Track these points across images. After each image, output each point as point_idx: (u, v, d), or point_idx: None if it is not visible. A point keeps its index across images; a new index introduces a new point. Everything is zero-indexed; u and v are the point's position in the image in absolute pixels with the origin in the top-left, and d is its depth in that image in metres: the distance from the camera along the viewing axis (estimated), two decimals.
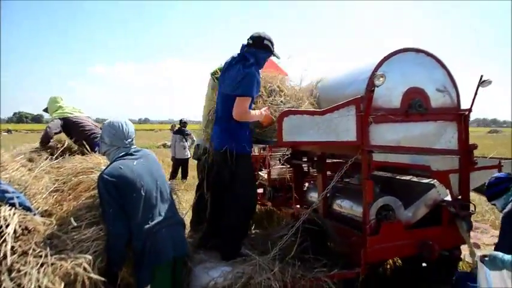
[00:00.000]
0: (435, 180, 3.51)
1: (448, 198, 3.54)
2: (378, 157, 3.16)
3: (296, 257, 3.10)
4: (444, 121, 3.46)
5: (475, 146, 3.55)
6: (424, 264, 3.78)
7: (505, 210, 2.74)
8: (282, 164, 5.25)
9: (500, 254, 2.07)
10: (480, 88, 3.34)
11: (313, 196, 4.40)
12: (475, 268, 3.45)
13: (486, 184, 3.05)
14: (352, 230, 3.33)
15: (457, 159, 3.52)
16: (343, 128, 2.97)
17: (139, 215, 2.29)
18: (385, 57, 3.16)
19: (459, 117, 3.48)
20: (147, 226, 2.30)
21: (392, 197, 3.29)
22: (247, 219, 3.42)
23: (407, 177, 4.02)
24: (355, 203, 3.52)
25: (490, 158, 3.90)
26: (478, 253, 2.33)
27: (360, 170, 3.20)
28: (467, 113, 3.47)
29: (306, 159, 4.69)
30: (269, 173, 5.55)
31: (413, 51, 3.30)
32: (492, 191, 2.94)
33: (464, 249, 3.72)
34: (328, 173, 3.98)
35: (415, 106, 3.25)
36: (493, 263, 2.10)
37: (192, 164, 10.88)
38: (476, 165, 3.57)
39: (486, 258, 2.15)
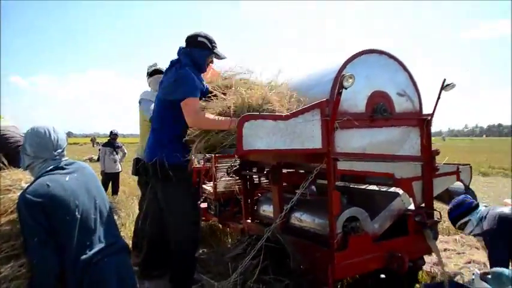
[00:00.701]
0: (399, 188, 3.47)
1: (412, 207, 3.51)
2: (342, 165, 3.03)
3: (258, 280, 2.87)
4: (407, 126, 3.43)
5: (437, 152, 3.56)
6: (382, 276, 3.72)
7: (486, 229, 2.81)
8: (230, 176, 5.02)
9: (506, 271, 1.98)
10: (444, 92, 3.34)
11: (266, 210, 4.20)
12: (448, 281, 3.47)
13: (448, 212, 3.30)
14: (315, 245, 3.15)
15: (419, 166, 3.51)
16: (308, 134, 2.80)
17: (74, 243, 1.90)
18: (349, 59, 3.05)
19: (422, 122, 3.47)
20: (85, 256, 1.91)
21: (358, 208, 3.16)
22: (195, 240, 3.14)
23: (367, 186, 3.97)
24: (317, 216, 3.36)
25: (448, 164, 3.94)
26: (476, 270, 2.24)
27: (315, 180, 3.08)
28: (429, 118, 3.47)
29: (256, 170, 4.51)
30: (215, 186, 5.26)
31: (377, 53, 3.23)
32: (456, 213, 3.23)
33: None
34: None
35: (379, 111, 3.17)
36: (498, 281, 2.01)
37: (124, 178, 10.28)
38: (438, 171, 3.58)
39: (489, 276, 2.06)
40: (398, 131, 3.37)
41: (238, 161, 4.62)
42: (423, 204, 3.55)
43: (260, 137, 2.60)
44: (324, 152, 2.87)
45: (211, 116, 2.85)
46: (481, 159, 20.56)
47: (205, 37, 3.12)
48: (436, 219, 3.48)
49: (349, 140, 3.07)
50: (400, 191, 3.46)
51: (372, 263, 3.11)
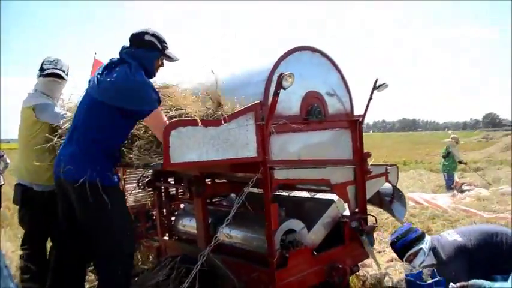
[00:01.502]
0: (333, 195, 3.43)
1: (347, 213, 3.50)
2: (278, 174, 2.87)
3: None
4: (340, 129, 3.40)
5: (369, 155, 3.59)
6: None
7: (445, 259, 3.09)
8: (142, 188, 4.62)
9: (486, 283, 1.95)
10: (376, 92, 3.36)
11: (186, 225, 3.92)
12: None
13: (392, 242, 3.39)
14: (251, 264, 2.96)
15: (352, 169, 3.50)
16: (243, 141, 2.59)
17: None
18: (282, 56, 2.90)
19: (354, 124, 3.47)
20: None
21: (295, 220, 3.04)
22: (128, 276, 2.76)
23: (297, 194, 3.90)
24: (251, 231, 3.17)
25: (376, 165, 4.02)
26: (452, 284, 2.21)
27: (238, 189, 2.89)
28: (361, 119, 3.48)
29: (174, 181, 4.20)
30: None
31: (310, 51, 3.13)
32: (402, 243, 3.29)
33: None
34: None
35: (314, 113, 3.08)
36: None
37: (6, 191, 9.20)
38: (370, 174, 3.61)
39: None
40: (331, 134, 3.33)
41: (150, 171, 4.25)
42: (357, 210, 3.56)
43: (190, 148, 2.32)
44: (259, 160, 2.69)
45: None
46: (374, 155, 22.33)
47: (154, 35, 2.67)
48: (372, 224, 3.51)
49: (284, 146, 2.93)
50: (335, 197, 3.43)
51: (312, 277, 3.01)
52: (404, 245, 3.27)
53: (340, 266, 3.11)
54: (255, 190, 3.40)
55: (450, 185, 9.95)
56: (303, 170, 3.08)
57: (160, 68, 2.79)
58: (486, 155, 19.32)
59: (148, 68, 2.64)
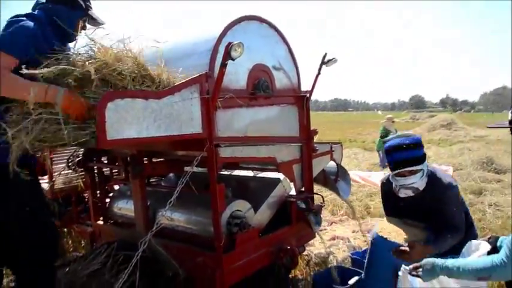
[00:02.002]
0: (280, 173, 3.35)
1: (293, 192, 3.44)
2: (223, 152, 2.72)
3: None
4: (287, 105, 3.30)
5: (315, 132, 3.54)
6: None
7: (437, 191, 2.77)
8: (72, 169, 4.27)
9: (439, 262, 1.91)
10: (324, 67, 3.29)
11: (123, 207, 3.68)
12: (334, 267, 3.52)
13: (398, 146, 2.72)
14: (196, 249, 2.81)
15: (298, 147, 3.44)
16: (187, 116, 2.39)
17: None
18: (228, 25, 2.72)
19: (301, 100, 3.39)
20: None
21: (241, 200, 2.92)
22: (52, 267, 2.49)
23: (241, 173, 3.78)
24: (194, 213, 3.01)
25: (320, 143, 3.99)
26: (404, 267, 2.16)
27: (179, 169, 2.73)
28: (308, 95, 3.41)
29: (107, 161, 3.92)
30: (52, 183, 4.42)
31: (257, 21, 2.97)
32: (413, 154, 2.71)
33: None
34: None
35: (261, 87, 2.94)
36: (432, 273, 1.93)
37: None
38: (316, 152, 3.57)
39: (420, 270, 1.96)
40: (278, 110, 3.22)
41: (82, 151, 3.93)
42: (303, 189, 3.51)
43: (129, 123, 2.09)
44: (204, 137, 2.51)
45: (21, 79, 2.12)
46: None
47: None
48: (319, 203, 3.48)
49: (230, 122, 2.77)
50: (281, 176, 3.35)
51: (260, 260, 2.93)
52: (410, 158, 2.68)
53: (289, 247, 3.05)
54: (196, 169, 3.26)
55: (385, 163, 10.36)
56: (250, 148, 2.95)
57: (82, 31, 2.50)
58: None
59: (66, 29, 2.38)
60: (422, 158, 2.72)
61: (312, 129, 3.49)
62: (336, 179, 3.99)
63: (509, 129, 1.87)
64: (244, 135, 2.88)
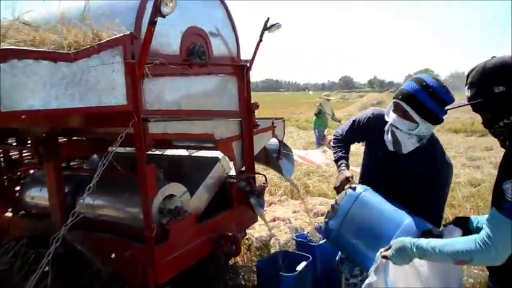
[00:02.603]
0: (218, 152, 3.07)
1: (233, 172, 3.18)
2: (154, 128, 2.37)
3: None
4: (225, 75, 2.99)
5: (256, 105, 3.27)
6: None
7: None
8: None
9: (407, 243, 1.69)
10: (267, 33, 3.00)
11: (36, 196, 3.22)
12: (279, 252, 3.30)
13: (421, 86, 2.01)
14: (123, 241, 2.45)
15: (238, 123, 3.15)
16: (108, 84, 2.01)
17: None
18: None
19: (240, 69, 3.09)
20: None
21: (175, 183, 2.60)
22: None
23: (176, 152, 3.45)
24: (119, 200, 2.64)
25: (261, 118, 3.73)
26: (377, 254, 1.93)
27: (103, 149, 2.35)
28: (249, 64, 3.11)
29: (16, 142, 3.42)
30: None
31: None
32: (435, 101, 2.03)
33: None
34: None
35: (197, 53, 2.60)
36: (402, 253, 1.71)
37: None
38: (258, 128, 3.31)
39: (389, 252, 1.74)
40: (215, 81, 2.90)
41: None
42: (244, 168, 3.25)
43: (31, 90, 1.68)
44: (130, 110, 2.15)
45: None
46: None
47: None
48: (262, 184, 3.24)
49: (161, 93, 2.42)
50: (219, 155, 3.06)
51: (199, 250, 2.64)
52: (419, 101, 2.02)
53: (230, 233, 2.79)
54: (123, 150, 2.87)
55: (320, 142, 10.42)
56: (184, 123, 2.62)
57: None
58: (347, 114, 20.92)
59: None
60: (429, 114, 2.05)
61: (252, 102, 3.22)
62: (278, 157, 3.77)
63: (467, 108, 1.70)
64: (178, 108, 2.54)
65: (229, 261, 3.66)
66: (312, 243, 3.55)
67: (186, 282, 2.75)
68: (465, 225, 1.91)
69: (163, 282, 2.33)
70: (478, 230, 1.91)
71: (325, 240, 3.49)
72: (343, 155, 2.48)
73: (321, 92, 21.24)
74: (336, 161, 2.48)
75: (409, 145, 2.14)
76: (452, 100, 2.06)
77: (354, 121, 2.51)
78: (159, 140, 2.72)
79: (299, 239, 3.62)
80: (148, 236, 2.26)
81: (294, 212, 5.25)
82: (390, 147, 2.20)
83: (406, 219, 1.99)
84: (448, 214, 5.27)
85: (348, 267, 2.87)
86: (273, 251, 4.01)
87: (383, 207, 2.11)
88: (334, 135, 2.62)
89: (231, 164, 3.14)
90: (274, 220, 4.84)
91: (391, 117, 2.16)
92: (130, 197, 2.52)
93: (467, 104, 1.63)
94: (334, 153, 2.52)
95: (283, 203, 5.78)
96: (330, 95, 11.92)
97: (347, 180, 2.28)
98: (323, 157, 8.75)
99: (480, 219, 1.90)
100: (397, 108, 2.11)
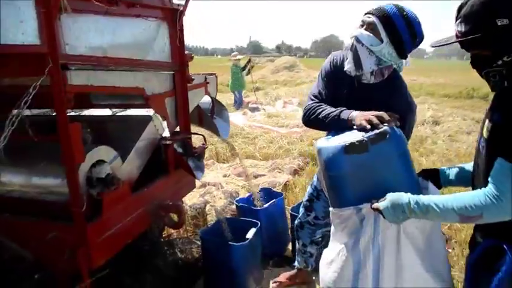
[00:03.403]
0: (150, 110, 2.65)
1: (167, 133, 2.79)
2: (75, 78, 1.91)
3: None
4: (155, 19, 2.54)
5: (191, 57, 2.88)
6: None
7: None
8: None
9: (409, 196, 1.45)
10: None
11: None
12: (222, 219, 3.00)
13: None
14: (43, 221, 1.99)
15: (170, 77, 2.75)
16: (13, 17, 1.52)
17: None
18: None
19: (172, 15, 2.65)
20: None
21: (103, 147, 2.16)
22: None
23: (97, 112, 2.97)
24: (35, 171, 2.14)
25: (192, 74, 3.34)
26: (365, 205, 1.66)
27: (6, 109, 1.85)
28: (182, 9, 2.69)
29: None
30: None
31: None
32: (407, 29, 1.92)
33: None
34: None
35: None
36: (397, 210, 1.47)
37: None
38: (192, 82, 2.93)
39: (383, 203, 1.49)
40: (145, 26, 2.44)
41: None
42: (178, 128, 2.88)
43: None
44: (45, 52, 1.67)
45: None
46: None
47: None
48: (201, 145, 2.90)
49: (83, 34, 1.93)
50: (152, 113, 2.66)
51: (137, 224, 2.26)
52: (391, 18, 1.91)
53: (171, 202, 2.44)
54: (29, 112, 2.34)
55: (240, 104, 10.19)
56: (111, 74, 2.16)
57: None
58: (260, 77, 20.88)
59: None
60: (397, 40, 1.94)
61: (186, 53, 2.82)
62: (212, 116, 3.42)
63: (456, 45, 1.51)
64: (103, 55, 2.08)
65: (163, 235, 3.32)
66: (255, 208, 3.33)
67: (118, 264, 2.37)
68: (434, 178, 1.76)
69: (98, 266, 1.94)
70: (450, 183, 1.78)
71: (269, 203, 3.30)
72: (332, 108, 2.14)
73: (229, 56, 20.90)
74: (333, 116, 2.05)
75: (367, 64, 2.02)
76: (422, 37, 2.00)
77: (319, 74, 2.32)
78: (78, 97, 2.25)
79: (240, 204, 3.37)
80: (76, 212, 1.83)
81: (225, 176, 4.98)
82: (351, 69, 2.07)
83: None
84: None
85: (309, 232, 2.68)
86: (209, 219, 3.73)
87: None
88: (310, 103, 2.28)
89: (165, 123, 2.75)
90: (204, 186, 4.54)
91: (356, 31, 2.02)
92: (48, 166, 2.04)
93: (460, 41, 1.43)
94: (323, 114, 2.15)
95: (210, 167, 5.47)
96: (238, 56, 11.66)
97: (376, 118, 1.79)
98: (244, 119, 8.54)
99: (452, 171, 1.76)
100: (366, 24, 2.00)
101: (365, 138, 1.64)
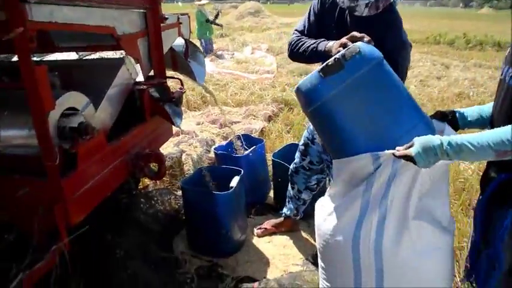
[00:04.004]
0: (122, 52, 2.42)
1: (141, 77, 2.58)
2: (36, 13, 1.65)
3: None
4: None
5: None
6: None
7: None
8: None
9: (440, 137, 1.34)
10: None
11: None
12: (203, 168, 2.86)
13: None
14: (12, 178, 1.79)
15: (142, 15, 2.49)
16: None
17: None
18: None
19: None
20: None
21: (74, 92, 1.94)
22: None
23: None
24: None
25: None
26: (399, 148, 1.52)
27: None
28: None
29: None
30: None
31: None
32: None
33: None
34: None
35: None
36: (429, 153, 1.35)
37: None
38: (166, 21, 2.69)
39: (412, 150, 1.36)
40: None
41: None
42: (152, 72, 2.66)
43: None
44: None
45: None
46: None
47: None
48: (179, 89, 2.69)
49: None
50: (125, 55, 2.42)
51: (115, 177, 2.09)
52: None
53: (150, 151, 2.27)
54: None
55: (210, 51, 9.82)
56: (77, 10, 1.90)
57: None
58: (225, 22, 20.18)
59: None
60: None
61: None
62: (187, 59, 3.19)
63: None
64: None
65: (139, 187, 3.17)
66: (236, 155, 3.21)
67: (97, 220, 2.22)
68: (450, 120, 1.67)
69: (76, 223, 1.77)
70: (468, 124, 1.69)
71: (250, 150, 3.17)
72: (312, 40, 2.03)
73: (191, 3, 19.94)
74: (312, 49, 1.99)
75: None
76: None
77: (309, 12, 2.19)
78: (41, 39, 1.99)
79: (219, 152, 3.23)
80: (49, 165, 1.64)
81: (198, 124, 4.80)
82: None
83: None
84: None
85: (304, 178, 2.58)
86: (186, 168, 3.58)
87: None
88: (293, 37, 2.16)
89: (138, 67, 2.53)
90: (178, 135, 4.36)
91: None
92: (13, 116, 1.81)
93: None
94: (303, 48, 2.05)
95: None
96: (203, 1, 11.12)
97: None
98: (213, 66, 8.24)
99: (469, 112, 1.66)
100: None
101: (337, 56, 1.53)
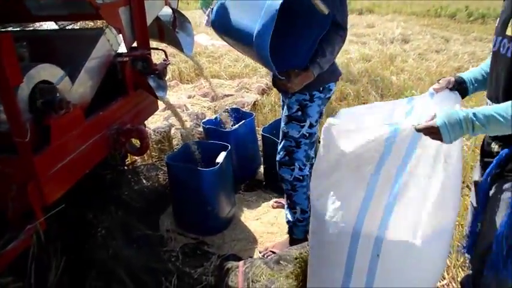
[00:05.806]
0: (103, 22, 2.31)
1: (123, 49, 2.47)
2: None
3: None
4: None
5: None
6: None
7: None
8: None
9: (460, 111, 1.26)
10: None
11: None
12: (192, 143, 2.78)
13: None
14: None
15: None
16: None
17: None
18: None
19: None
20: None
21: (48, 65, 1.84)
22: None
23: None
24: None
25: None
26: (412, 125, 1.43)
27: None
28: None
29: None
30: None
31: None
32: None
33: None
34: None
35: None
36: (455, 128, 1.27)
37: None
38: None
39: (438, 122, 1.29)
40: None
41: None
42: (135, 44, 2.55)
43: None
44: None
45: None
46: None
47: None
48: (163, 61, 2.59)
49: None
50: (105, 26, 2.31)
51: (94, 153, 2.01)
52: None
53: (131, 126, 2.19)
54: None
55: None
56: None
57: None
58: None
59: None
60: None
61: None
62: (174, 29, 3.07)
63: None
64: None
65: (126, 162, 3.10)
66: (224, 130, 3.13)
67: (77, 197, 2.16)
68: (459, 87, 1.59)
69: (52, 201, 1.71)
70: (476, 89, 1.64)
71: (239, 124, 3.10)
72: None
73: None
74: None
75: None
76: None
77: None
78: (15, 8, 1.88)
79: (208, 126, 3.15)
80: (19, 142, 1.57)
81: (189, 97, 4.70)
82: None
83: None
84: (349, 90, 5.23)
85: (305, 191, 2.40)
86: (175, 143, 3.51)
87: None
88: None
89: (120, 38, 2.42)
90: (167, 108, 4.26)
91: None
92: None
93: None
94: None
95: (173, 88, 5.16)
96: None
97: None
98: (207, 38, 8.06)
99: (473, 77, 1.60)
100: None
101: None
